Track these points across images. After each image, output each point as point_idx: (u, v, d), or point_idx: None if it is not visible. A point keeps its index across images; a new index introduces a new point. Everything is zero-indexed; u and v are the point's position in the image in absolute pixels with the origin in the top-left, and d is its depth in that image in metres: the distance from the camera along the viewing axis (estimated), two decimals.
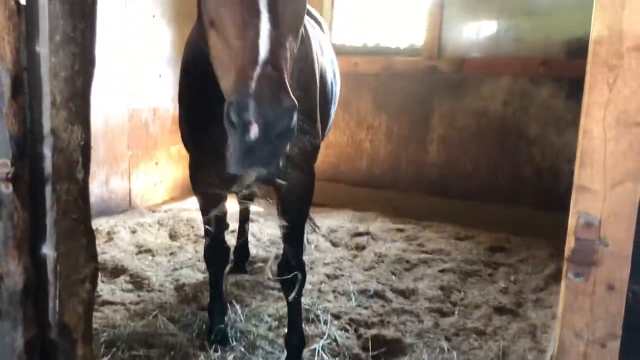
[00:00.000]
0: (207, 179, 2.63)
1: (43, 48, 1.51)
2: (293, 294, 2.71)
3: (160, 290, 3.73)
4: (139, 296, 3.63)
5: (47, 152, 1.55)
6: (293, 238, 2.70)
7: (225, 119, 1.51)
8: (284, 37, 1.59)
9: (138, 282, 3.82)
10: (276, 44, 1.52)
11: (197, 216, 5.27)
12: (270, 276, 3.80)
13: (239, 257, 4.17)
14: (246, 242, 4.33)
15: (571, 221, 1.12)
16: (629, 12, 1.03)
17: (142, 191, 5.82)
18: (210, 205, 2.84)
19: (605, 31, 1.05)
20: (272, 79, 1.46)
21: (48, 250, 1.60)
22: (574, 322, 1.16)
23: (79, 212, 1.66)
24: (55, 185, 1.58)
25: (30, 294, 1.60)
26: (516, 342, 3.26)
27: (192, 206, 5.77)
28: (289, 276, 2.66)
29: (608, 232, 1.10)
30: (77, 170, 1.63)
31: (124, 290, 3.69)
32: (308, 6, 3.92)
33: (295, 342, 2.85)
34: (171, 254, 4.47)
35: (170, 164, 6.16)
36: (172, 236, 4.92)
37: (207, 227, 2.95)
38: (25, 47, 1.54)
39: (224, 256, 3.07)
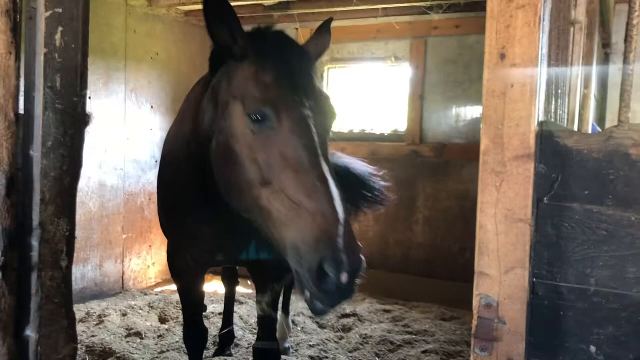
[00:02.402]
0: (185, 261, 2.81)
1: (36, 152, 1.74)
2: None
3: None
4: None
5: (35, 243, 1.74)
6: (265, 320, 2.85)
7: (314, 271, 1.73)
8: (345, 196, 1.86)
9: None
10: (344, 202, 1.78)
11: None
12: None
13: (224, 340, 4.25)
14: (231, 324, 4.42)
15: (475, 302, 1.29)
16: (506, 129, 1.25)
17: (135, 274, 5.95)
18: (189, 287, 3.00)
19: (490, 144, 1.27)
20: (350, 233, 1.74)
21: (31, 332, 1.76)
22: None
23: (61, 296, 1.82)
24: (40, 273, 1.75)
25: None
26: None
27: None
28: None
29: (505, 312, 1.26)
30: (61, 258, 1.81)
31: None
32: None
33: None
34: (159, 336, 4.55)
35: (163, 247, 6.31)
36: (162, 319, 5.00)
37: (185, 309, 3.09)
38: (20, 151, 1.77)
39: (201, 337, 3.18)
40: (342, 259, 1.69)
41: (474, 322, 1.28)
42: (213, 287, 5.80)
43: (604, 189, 1.23)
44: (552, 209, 1.27)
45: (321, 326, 4.93)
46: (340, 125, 6.44)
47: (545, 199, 1.27)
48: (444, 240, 5.90)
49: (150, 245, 6.16)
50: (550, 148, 1.26)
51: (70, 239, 1.85)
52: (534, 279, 1.27)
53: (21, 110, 1.82)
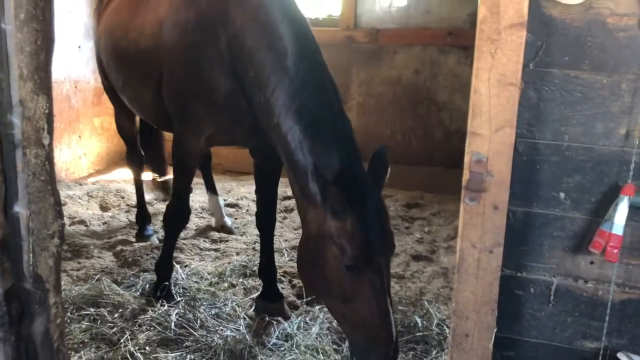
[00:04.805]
0: (199, 144, 3.04)
1: (9, 25, 1.66)
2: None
3: (99, 257, 3.87)
4: (79, 263, 3.76)
5: (17, 120, 1.71)
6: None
7: None
8: None
9: (76, 251, 3.94)
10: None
11: (127, 187, 5.38)
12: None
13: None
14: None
15: (466, 159, 1.46)
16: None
17: (67, 164, 5.80)
18: (192, 168, 3.18)
19: (488, 13, 1.38)
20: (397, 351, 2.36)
21: (21, 209, 1.77)
22: (470, 236, 1.51)
23: (46, 174, 1.83)
24: (25, 150, 1.74)
25: (6, 249, 1.77)
26: (431, 283, 3.71)
27: (119, 177, 5.85)
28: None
29: (493, 166, 1.44)
30: (43, 136, 1.80)
31: (64, 259, 3.79)
32: None
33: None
34: (104, 223, 4.58)
35: (94, 137, 6.15)
36: (103, 207, 5.00)
37: (178, 189, 3.16)
38: None
39: (185, 215, 3.28)
40: None
41: (465, 177, 1.45)
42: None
43: (582, 55, 1.39)
44: (535, 74, 1.42)
45: None
46: None
47: (530, 65, 1.42)
48: (377, 125, 6.12)
49: (79, 136, 5.96)
50: (538, 18, 1.38)
51: (49, 116, 1.83)
52: (516, 138, 1.44)
53: None
